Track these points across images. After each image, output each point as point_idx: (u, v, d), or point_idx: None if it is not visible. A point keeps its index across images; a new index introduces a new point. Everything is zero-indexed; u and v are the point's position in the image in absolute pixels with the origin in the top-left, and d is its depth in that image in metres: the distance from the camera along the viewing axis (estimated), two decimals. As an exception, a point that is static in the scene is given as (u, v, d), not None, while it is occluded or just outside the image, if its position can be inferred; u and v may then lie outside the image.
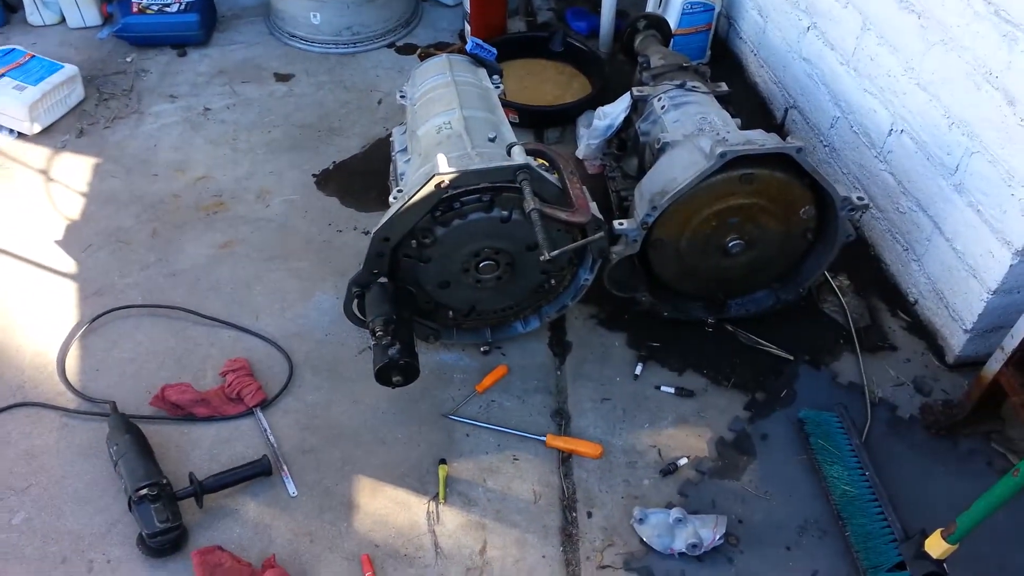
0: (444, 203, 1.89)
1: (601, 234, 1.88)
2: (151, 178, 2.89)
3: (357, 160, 3.01)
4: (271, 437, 2.08)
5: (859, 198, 2.10)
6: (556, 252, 1.73)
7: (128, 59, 3.43)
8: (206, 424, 2.12)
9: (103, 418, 2.08)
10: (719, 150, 1.95)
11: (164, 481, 1.86)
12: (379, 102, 3.28)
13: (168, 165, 2.94)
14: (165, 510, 1.81)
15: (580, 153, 2.90)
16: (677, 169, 2.07)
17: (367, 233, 2.65)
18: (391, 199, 2.09)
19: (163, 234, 2.67)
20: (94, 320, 2.36)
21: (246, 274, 2.53)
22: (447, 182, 1.80)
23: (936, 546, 1.73)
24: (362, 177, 2.92)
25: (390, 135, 2.59)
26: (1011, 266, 2.03)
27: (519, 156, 1.87)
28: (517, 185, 1.87)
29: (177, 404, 2.10)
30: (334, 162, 2.99)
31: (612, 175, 2.66)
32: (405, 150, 2.41)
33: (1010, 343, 1.92)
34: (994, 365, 1.98)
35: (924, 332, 2.41)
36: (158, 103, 3.23)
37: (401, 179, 2.27)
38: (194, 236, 2.66)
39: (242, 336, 2.34)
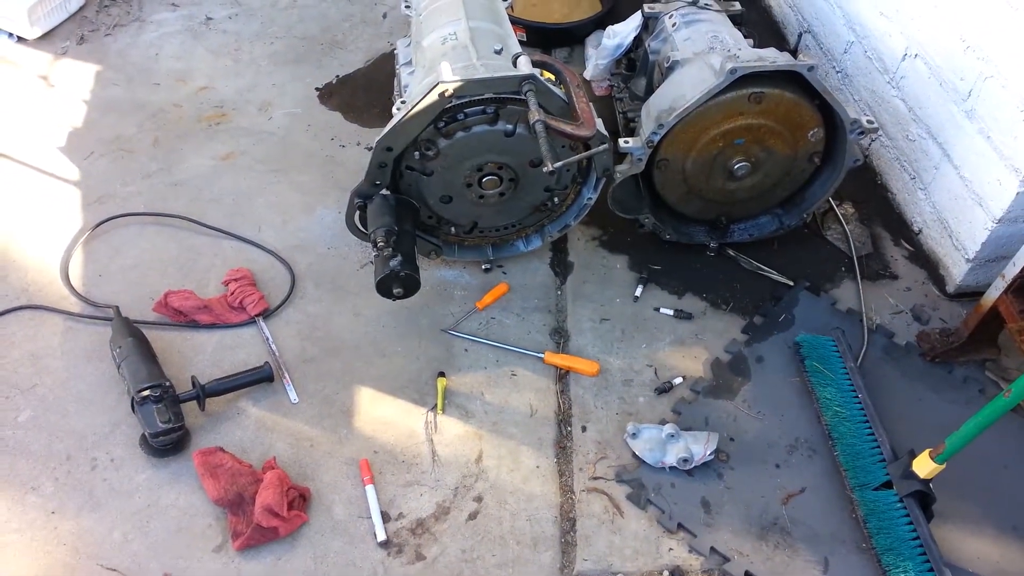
0: (448, 114, 1.87)
1: (606, 146, 1.86)
2: (153, 87, 2.85)
3: (360, 74, 2.96)
4: (273, 346, 2.11)
5: (869, 121, 2.07)
6: (559, 164, 1.72)
7: (128, -35, 3.35)
8: (208, 331, 2.14)
9: (106, 322, 2.10)
10: (729, 66, 1.92)
11: (167, 383, 1.89)
12: (384, 16, 3.21)
13: (170, 74, 2.90)
14: (167, 411, 1.84)
15: (588, 74, 2.85)
16: (686, 86, 2.04)
17: (370, 149, 2.60)
18: (394, 110, 2.06)
19: (165, 143, 2.65)
20: (97, 227, 2.36)
21: (248, 186, 2.52)
22: (451, 91, 1.78)
23: (924, 466, 1.76)
24: (365, 92, 2.88)
25: (395, 49, 2.54)
26: (1018, 194, 2.01)
27: (525, 67, 1.84)
28: (522, 97, 1.84)
29: (180, 310, 2.12)
30: (337, 76, 2.94)
31: (620, 96, 2.62)
32: (409, 63, 2.36)
33: (1011, 270, 1.92)
34: (993, 293, 1.98)
35: (926, 261, 2.41)
36: (159, 11, 3.16)
37: (405, 91, 2.23)
38: (196, 146, 2.64)
39: (244, 247, 2.34)
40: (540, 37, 3.03)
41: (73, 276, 2.25)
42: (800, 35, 2.88)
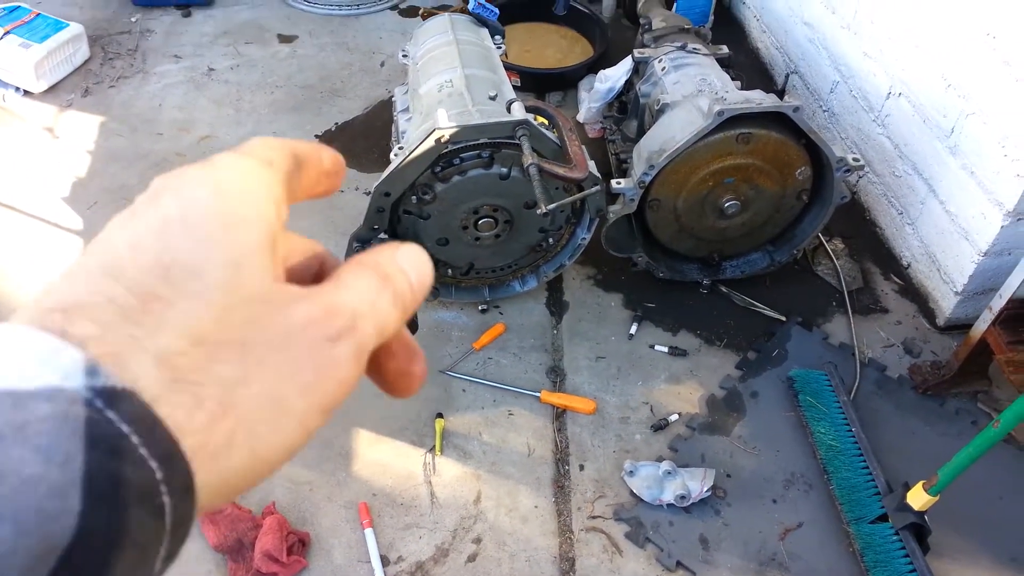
0: (444, 159, 1.92)
1: (598, 188, 1.91)
2: (155, 137, 2.92)
3: (359, 121, 3.03)
4: (272, 389, 2.13)
5: (855, 159, 2.12)
6: (553, 205, 1.76)
7: (133, 19, 3.45)
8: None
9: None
10: (717, 108, 1.97)
11: (168, 428, 1.91)
12: (382, 64, 3.30)
13: (172, 124, 2.97)
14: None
15: (581, 117, 2.92)
16: (675, 128, 2.09)
17: (368, 193, 2.68)
18: (392, 155, 2.12)
19: (167, 192, 2.70)
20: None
21: (248, 232, 2.57)
22: (447, 137, 1.83)
23: (918, 498, 1.78)
24: (364, 138, 2.95)
25: (392, 96, 2.61)
26: (1002, 227, 2.05)
27: (518, 112, 1.89)
28: (516, 142, 1.89)
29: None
30: (336, 123, 3.01)
31: (612, 138, 2.67)
32: (407, 109, 2.43)
33: (998, 302, 1.95)
34: (981, 325, 2.01)
35: (916, 295, 2.44)
36: (163, 63, 3.24)
37: (402, 137, 2.29)
38: (197, 194, 2.69)
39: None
40: (534, 82, 3.10)
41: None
42: (787, 76, 2.96)
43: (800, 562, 1.85)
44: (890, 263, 2.54)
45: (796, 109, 2.03)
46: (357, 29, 3.47)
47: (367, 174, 2.80)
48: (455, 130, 1.84)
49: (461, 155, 1.93)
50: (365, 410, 2.11)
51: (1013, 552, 1.87)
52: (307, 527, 1.88)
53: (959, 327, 2.34)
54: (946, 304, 2.32)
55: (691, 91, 2.27)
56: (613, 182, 2.11)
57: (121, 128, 2.95)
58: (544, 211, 1.73)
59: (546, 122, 2.04)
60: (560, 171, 1.84)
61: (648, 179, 2.09)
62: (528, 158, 1.79)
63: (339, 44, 3.38)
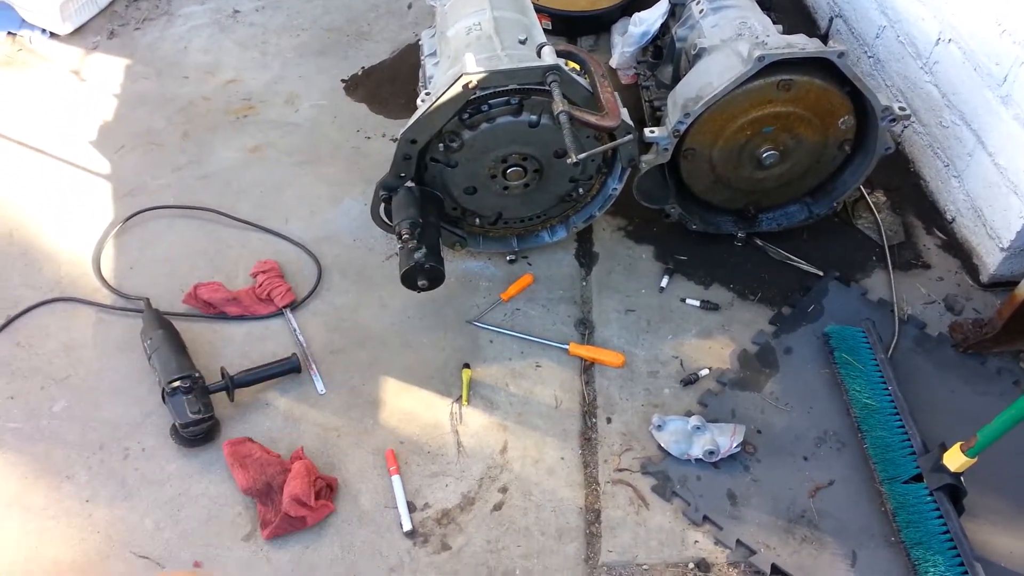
0: (472, 105, 1.86)
1: (630, 137, 1.85)
2: (182, 80, 2.88)
3: (386, 66, 2.96)
4: (300, 337, 2.13)
5: (901, 107, 2.03)
6: (583, 155, 1.70)
7: (156, -41, 3.38)
8: (237, 323, 2.17)
9: (138, 314, 2.14)
10: (757, 53, 1.89)
11: (197, 374, 1.92)
12: (409, 6, 3.21)
13: (198, 68, 2.93)
14: (197, 402, 1.87)
15: (614, 62, 2.83)
16: (713, 74, 2.01)
17: (395, 140, 2.63)
18: (419, 101, 2.07)
19: (194, 136, 2.68)
20: (128, 219, 2.40)
21: (276, 178, 2.55)
22: (475, 83, 1.77)
23: (955, 459, 1.73)
24: (391, 84, 2.89)
25: (419, 40, 2.54)
26: (1056, 182, 1.96)
27: (549, 57, 1.83)
28: (546, 88, 1.83)
29: (209, 302, 2.15)
30: (363, 67, 2.95)
31: (646, 84, 2.59)
32: (434, 53, 2.36)
33: (1048, 261, 1.87)
34: (1029, 284, 1.94)
35: (959, 250, 2.36)
36: (187, 4, 3.19)
37: (430, 83, 2.23)
38: (224, 139, 2.67)
39: (272, 239, 2.37)
40: (565, 25, 3.00)
41: (105, 268, 2.29)
42: (831, 20, 2.83)
43: (830, 519, 1.82)
44: (933, 217, 2.45)
45: (841, 55, 1.93)
46: (385, -30, 3.37)
47: (394, 120, 2.75)
48: (483, 75, 1.78)
49: (489, 101, 1.87)
50: (392, 359, 2.10)
51: (1051, 515, 1.83)
52: (335, 472, 1.89)
53: (1003, 284, 2.26)
54: (991, 260, 2.24)
55: (730, 35, 2.18)
56: (646, 130, 2.04)
57: (147, 71, 2.92)
58: (574, 160, 1.67)
59: (577, 67, 1.97)
60: (591, 119, 1.78)
61: (683, 127, 2.02)
62: (558, 105, 1.73)
63: (366, -15, 3.29)
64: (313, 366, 2.07)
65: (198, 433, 1.88)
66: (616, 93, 1.91)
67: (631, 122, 1.91)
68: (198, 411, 1.86)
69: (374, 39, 3.06)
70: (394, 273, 2.23)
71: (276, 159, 2.61)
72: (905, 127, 2.57)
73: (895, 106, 2.02)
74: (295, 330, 2.14)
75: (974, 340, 2.10)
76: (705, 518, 1.84)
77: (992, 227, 2.22)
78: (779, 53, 1.91)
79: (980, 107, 2.18)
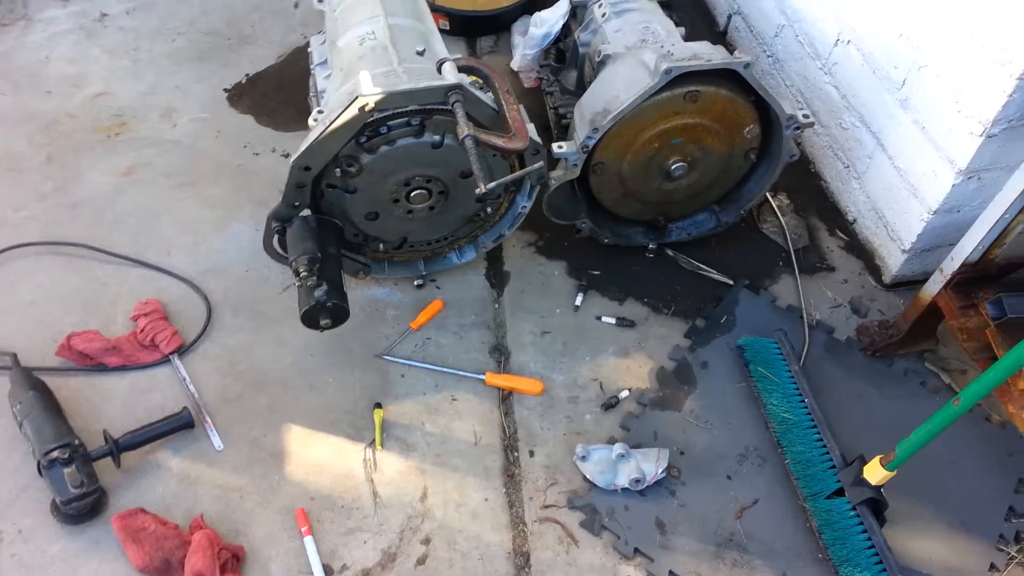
0: (370, 128, 1.73)
1: (541, 164, 1.76)
2: (43, 95, 2.60)
3: (272, 72, 2.76)
4: (191, 386, 1.95)
5: (804, 115, 2.01)
6: (492, 184, 1.60)
7: (2, -45, 3.03)
8: (119, 374, 1.96)
9: (3, 372, 1.90)
10: (664, 66, 1.82)
11: (76, 441, 1.72)
12: (295, 5, 3.01)
13: (62, 80, 2.65)
14: (79, 473, 1.68)
15: (515, 64, 2.72)
16: (619, 86, 1.94)
17: (287, 156, 2.47)
18: (311, 121, 1.91)
19: (59, 159, 2.42)
20: (-16, 261, 2.14)
21: (154, 204, 2.33)
22: (372, 105, 1.63)
23: (875, 473, 1.74)
24: (278, 92, 2.69)
25: (308, 46, 2.36)
26: (953, 186, 1.99)
27: (451, 75, 1.70)
28: (449, 108, 1.71)
29: (85, 353, 1.94)
30: (247, 75, 2.74)
31: (550, 90, 2.49)
32: (325, 63, 2.20)
33: (949, 265, 1.90)
34: (932, 287, 1.96)
35: (862, 252, 2.39)
36: (48, 7, 2.88)
37: (322, 97, 2.07)
38: (94, 161, 2.42)
39: (153, 275, 2.16)
40: (464, 25, 2.88)
41: (-40, 319, 2.03)
42: (730, 17, 2.82)
43: (758, 542, 1.81)
44: (835, 218, 2.47)
45: (747, 65, 1.89)
46: (264, -35, 3.14)
47: (284, 133, 2.56)
48: (380, 96, 1.64)
49: (388, 123, 1.74)
50: (296, 403, 1.95)
51: (964, 517, 1.87)
52: (240, 539, 1.74)
53: (905, 284, 2.30)
54: (892, 261, 2.28)
55: (634, 41, 2.11)
56: (555, 146, 1.96)
57: (3, 85, 2.62)
58: (483, 191, 1.56)
59: (480, 82, 1.85)
60: (499, 142, 1.67)
61: (592, 143, 1.94)
62: (464, 128, 1.62)
63: (245, -17, 3.06)
64: (207, 419, 1.90)
65: (82, 508, 1.69)
66: (522, 108, 1.81)
67: (539, 139, 1.82)
68: (80, 484, 1.67)
69: (258, 43, 2.85)
70: (293, 306, 2.07)
71: (153, 182, 2.38)
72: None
73: (799, 114, 2.01)
74: (184, 379, 1.96)
75: (881, 344, 2.13)
76: (636, 551, 1.79)
77: (893, 229, 2.25)
78: (686, 65, 1.85)
79: (879, 110, 2.20)
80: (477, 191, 1.56)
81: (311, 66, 2.30)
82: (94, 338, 1.95)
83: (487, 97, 1.76)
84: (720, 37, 2.90)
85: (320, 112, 1.90)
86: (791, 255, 2.35)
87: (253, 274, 2.18)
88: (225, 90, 2.68)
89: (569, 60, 2.45)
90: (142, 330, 1.99)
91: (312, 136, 1.68)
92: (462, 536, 1.79)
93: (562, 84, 2.48)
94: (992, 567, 1.81)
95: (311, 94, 2.41)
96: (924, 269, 2.28)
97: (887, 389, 2.10)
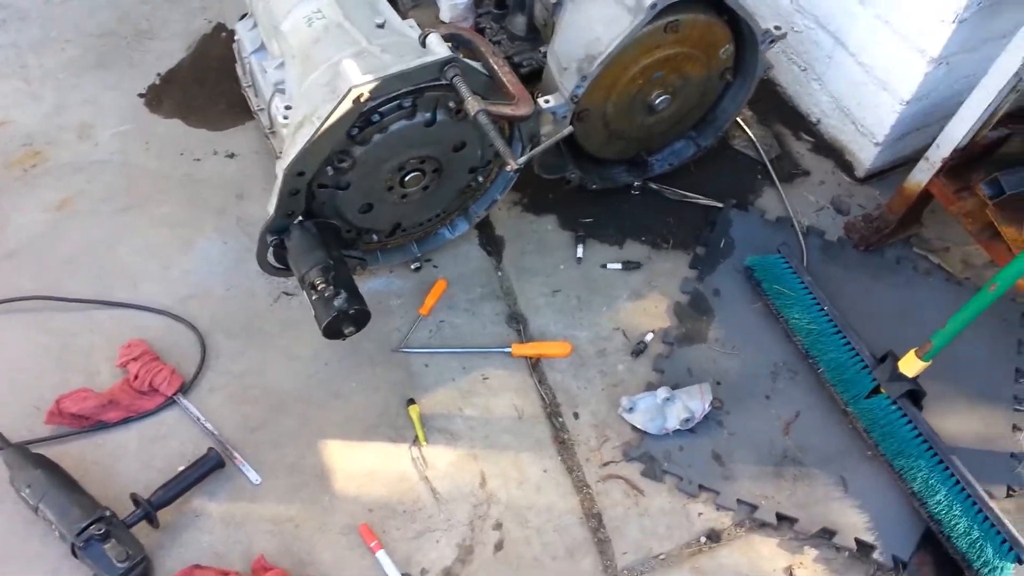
0: (361, 118, 1.59)
1: (571, 128, 1.67)
2: (-72, 136, 2.28)
3: (186, 67, 2.51)
4: (207, 424, 1.80)
5: (776, 27, 1.99)
6: (524, 158, 1.51)
7: None
8: (123, 428, 1.79)
9: (-10, 453, 1.71)
10: (648, 1, 1.75)
11: (107, 513, 1.57)
12: (189, -12, 2.73)
13: (-56, 115, 2.33)
14: (120, 545, 1.53)
15: (445, 15, 2.55)
16: (598, 28, 1.85)
17: (231, 156, 2.28)
18: (280, 119, 1.76)
19: (-26, 206, 2.14)
20: (-73, 336, 1.89)
21: (102, 235, 2.10)
22: (367, 95, 1.50)
23: (911, 366, 1.81)
24: (200, 87, 2.46)
25: (226, 32, 2.15)
26: (925, 75, 2.02)
27: (440, 47, 1.58)
28: (441, 83, 1.59)
29: (80, 415, 1.76)
30: (158, 74, 2.48)
31: (497, 39, 2.37)
32: (261, 48, 2.02)
33: (936, 153, 1.95)
34: (920, 176, 2.01)
35: (830, 151, 2.43)
36: None
37: (277, 89, 1.89)
38: (17, 201, 2.15)
39: (127, 313, 1.96)
40: (379, -17, 2.68)
41: (-80, 406, 1.80)
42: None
43: (810, 452, 1.86)
44: (798, 122, 2.50)
45: (725, -15, 1.84)
46: (140, -53, 2.83)
47: (220, 132, 2.35)
48: (375, 84, 1.50)
49: (379, 110, 1.61)
50: (324, 416, 1.84)
51: (978, 388, 1.97)
52: (309, 570, 1.64)
53: (879, 174, 2.36)
54: (864, 156, 2.33)
55: (590, -24, 2.02)
56: (540, 100, 1.86)
57: None
58: (516, 166, 1.47)
59: (463, 52, 1.73)
60: (507, 110, 1.58)
61: (581, 91, 1.86)
62: (473, 104, 1.51)
63: (124, -30, 2.75)
64: (235, 454, 1.77)
65: (132, 581, 1.55)
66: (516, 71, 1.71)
67: (538, 102, 1.73)
68: (125, 557, 1.52)
69: (159, 36, 2.58)
70: (288, 316, 1.96)
71: (94, 211, 2.15)
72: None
73: (772, 27, 1.98)
74: (198, 417, 1.81)
75: (873, 239, 2.19)
76: (700, 487, 1.81)
77: (863, 124, 2.29)
78: (672, -6, 1.78)
79: (836, 9, 2.20)
80: (508, 168, 1.47)
81: (243, 55, 2.10)
82: (87, 396, 1.77)
83: (478, 65, 1.65)
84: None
85: (289, 108, 1.74)
86: (767, 166, 2.37)
87: (236, 291, 2.02)
88: (140, 95, 2.42)
89: (513, 5, 2.33)
90: (136, 376, 1.81)
91: (304, 138, 1.53)
92: (531, 512, 1.75)
93: (509, 31, 2.36)
94: (1015, 428, 1.92)
95: (245, 84, 2.23)
96: (894, 158, 2.34)
97: (885, 279, 2.16)
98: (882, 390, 1.85)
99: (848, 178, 2.38)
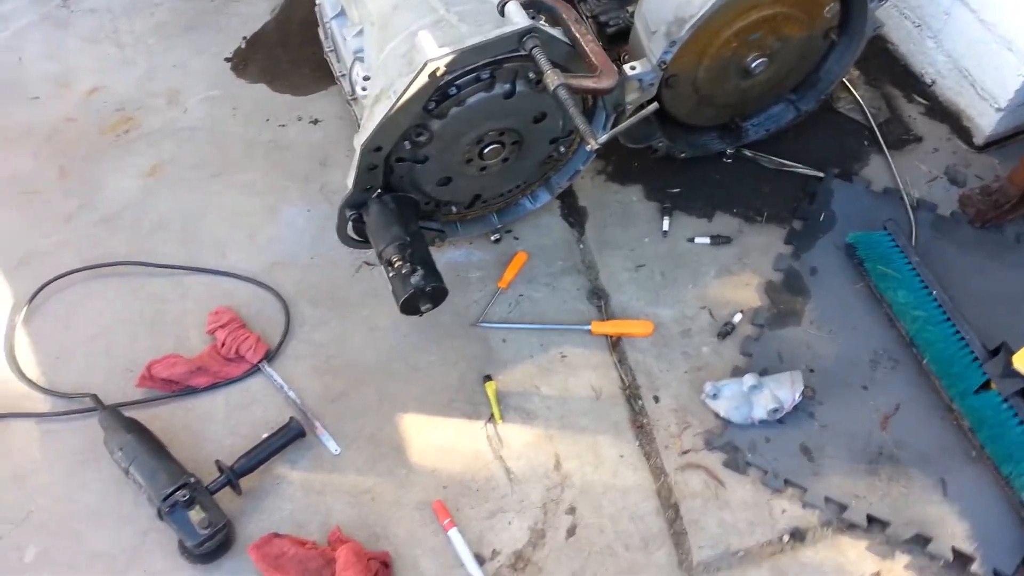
0: (438, 92, 1.54)
1: (655, 105, 1.57)
2: (31, 102, 2.36)
3: (271, 30, 2.51)
4: (291, 393, 1.83)
5: (892, -17, 1.82)
6: (605, 137, 1.43)
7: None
8: (211, 394, 1.85)
9: (86, 414, 1.79)
10: (746, -41, 1.61)
11: (192, 479, 1.62)
12: (274, -52, 2.71)
13: (46, 81, 2.40)
14: (204, 511, 1.59)
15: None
16: (689, -12, 1.73)
17: (315, 123, 2.28)
18: (359, 91, 1.72)
19: (74, 172, 2.21)
20: (33, 298, 1.97)
21: (191, 202, 2.14)
22: (443, 68, 1.44)
23: (1027, 361, 1.66)
24: (284, 50, 2.45)
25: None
26: (1062, 34, 1.81)
27: (518, 16, 1.50)
28: (520, 53, 1.52)
29: (170, 379, 1.82)
30: (244, 38, 2.49)
31: (585, -3, 2.26)
32: (341, 14, 1.98)
33: (1072, 123, 1.75)
34: (1049, 148, 1.82)
35: (946, 115, 2.23)
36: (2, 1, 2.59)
37: (357, 57, 1.86)
38: (112, 167, 2.22)
39: (215, 280, 2.01)
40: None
41: (25, 366, 1.89)
42: None
43: (909, 450, 1.74)
44: (911, 83, 2.30)
45: (832, -63, 1.68)
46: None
47: (304, 97, 2.35)
48: (452, 57, 1.44)
49: (456, 83, 1.55)
50: (404, 389, 1.85)
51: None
52: (383, 544, 1.66)
53: (998, 142, 2.16)
54: (984, 121, 2.12)
55: (686, -70, 1.88)
56: (626, 67, 1.76)
57: (-19, 98, 2.38)
58: (596, 145, 1.39)
59: (544, 18, 1.65)
60: (589, 83, 1.49)
61: (669, 57, 1.75)
62: (553, 78, 1.43)
63: (214, -70, 2.75)
64: (317, 423, 1.80)
65: (214, 547, 1.61)
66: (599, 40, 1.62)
67: (624, 73, 1.63)
68: (207, 524, 1.58)
69: (245, -1, 2.58)
70: (371, 287, 1.96)
71: (183, 177, 2.19)
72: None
73: (886, -17, 1.81)
74: (281, 386, 1.84)
75: (992, 214, 2.00)
76: (786, 482, 1.73)
77: (983, 87, 2.08)
78: (769, -49, 1.65)
79: (960, -40, 1.99)
80: (588, 147, 1.40)
81: (324, 20, 2.07)
82: (176, 362, 1.82)
83: (558, 32, 1.56)
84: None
85: (367, 79, 1.71)
86: (875, 131, 2.19)
87: (320, 259, 2.03)
88: (227, 59, 2.44)
89: (603, -41, 2.21)
90: (223, 343, 1.85)
91: (381, 113, 1.50)
92: (606, 499, 1.71)
93: (598, -12, 2.24)
94: None
95: (327, 49, 2.20)
96: (1017, 124, 2.13)
97: (1003, 260, 1.99)
98: (993, 386, 1.71)
99: (965, 146, 2.18)
